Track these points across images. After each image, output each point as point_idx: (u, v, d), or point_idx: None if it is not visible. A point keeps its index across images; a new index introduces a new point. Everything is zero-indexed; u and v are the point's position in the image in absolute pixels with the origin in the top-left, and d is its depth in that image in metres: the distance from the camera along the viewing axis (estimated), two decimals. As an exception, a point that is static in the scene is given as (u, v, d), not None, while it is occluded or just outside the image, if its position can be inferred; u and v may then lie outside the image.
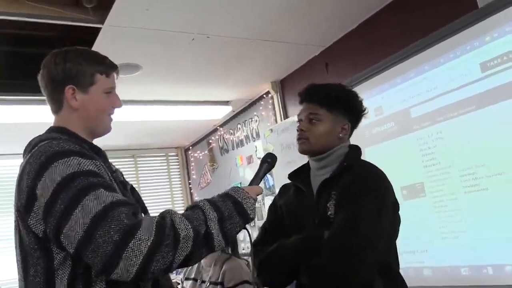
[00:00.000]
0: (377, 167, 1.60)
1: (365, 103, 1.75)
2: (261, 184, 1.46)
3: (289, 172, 1.76)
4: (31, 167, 1.20)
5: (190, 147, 6.29)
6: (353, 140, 1.76)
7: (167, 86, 4.15)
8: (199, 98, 4.62)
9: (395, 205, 1.57)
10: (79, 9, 2.80)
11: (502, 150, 2.30)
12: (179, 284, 3.08)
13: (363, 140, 1.76)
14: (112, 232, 1.08)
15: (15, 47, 3.19)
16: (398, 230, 1.59)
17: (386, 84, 2.94)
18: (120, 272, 1.09)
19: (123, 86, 1.49)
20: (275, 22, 3.18)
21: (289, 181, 1.78)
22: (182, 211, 1.23)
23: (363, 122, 1.79)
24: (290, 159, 1.74)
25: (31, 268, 1.22)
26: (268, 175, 3.99)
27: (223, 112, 4.97)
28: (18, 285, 1.28)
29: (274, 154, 1.53)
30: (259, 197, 1.44)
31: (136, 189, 1.49)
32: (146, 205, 1.48)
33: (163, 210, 1.20)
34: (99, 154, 1.35)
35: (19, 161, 1.31)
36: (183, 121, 5.11)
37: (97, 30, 2.92)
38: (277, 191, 3.75)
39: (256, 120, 4.77)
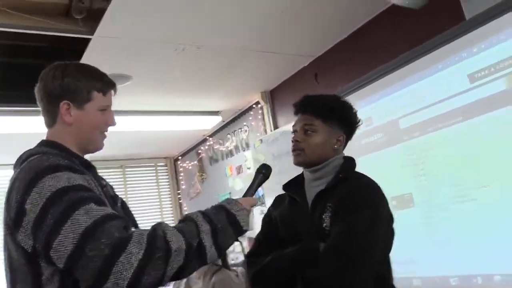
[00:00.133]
0: (372, 179, 1.60)
1: (355, 114, 1.76)
2: None
3: (280, 182, 1.75)
4: (20, 182, 1.19)
5: (180, 157, 6.27)
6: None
7: (157, 96, 4.14)
8: (188, 108, 4.62)
9: (390, 217, 1.58)
10: (69, 20, 2.79)
11: (490, 161, 2.33)
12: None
13: (352, 151, 1.76)
14: (102, 246, 1.08)
15: (4, 57, 3.17)
16: (392, 242, 1.59)
17: (375, 95, 2.96)
18: (111, 287, 1.08)
19: (113, 97, 1.48)
20: (264, 33, 3.20)
21: (282, 192, 1.78)
22: (172, 222, 1.22)
23: (352, 132, 1.79)
24: (280, 170, 1.74)
25: (19, 283, 1.20)
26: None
27: (213, 122, 4.96)
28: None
29: (269, 165, 1.53)
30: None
31: (125, 199, 1.48)
32: (135, 215, 1.47)
33: (152, 221, 1.19)
34: (89, 169, 1.35)
35: (11, 172, 1.30)
36: (173, 131, 5.10)
37: (87, 40, 2.92)
38: (266, 201, 3.78)
39: (246, 130, 4.77)
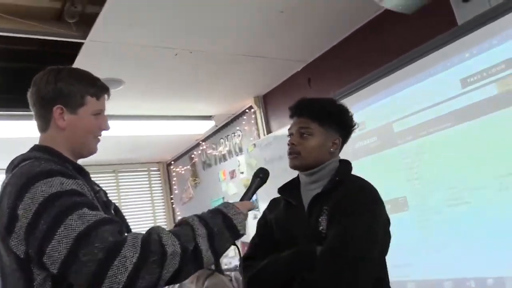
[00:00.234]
0: (368, 182, 1.60)
1: (350, 118, 1.76)
2: None
3: (273, 187, 1.75)
4: (12, 187, 1.18)
5: (172, 162, 6.25)
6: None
7: (149, 101, 4.13)
8: (181, 113, 4.61)
9: (387, 220, 1.58)
10: (62, 24, 2.78)
11: (482, 164, 2.34)
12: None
13: (346, 155, 1.76)
14: (96, 251, 1.07)
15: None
16: (389, 245, 1.59)
17: (369, 99, 2.97)
18: None
19: (106, 101, 1.48)
20: (257, 38, 3.21)
21: (276, 196, 1.77)
22: (165, 227, 1.21)
23: (346, 136, 1.80)
24: (274, 174, 1.74)
25: None
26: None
27: (206, 127, 4.96)
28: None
29: (266, 169, 1.53)
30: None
31: (118, 204, 1.47)
32: (128, 220, 1.46)
33: (145, 225, 1.19)
34: (82, 174, 1.34)
35: (2, 176, 1.29)
36: (165, 135, 5.09)
37: (80, 45, 2.90)
38: (259, 205, 3.77)
39: (239, 135, 4.77)
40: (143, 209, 6.24)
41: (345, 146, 1.75)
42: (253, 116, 4.47)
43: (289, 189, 1.71)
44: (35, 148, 1.35)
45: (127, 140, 5.08)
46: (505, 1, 2.26)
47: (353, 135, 1.76)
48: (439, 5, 2.59)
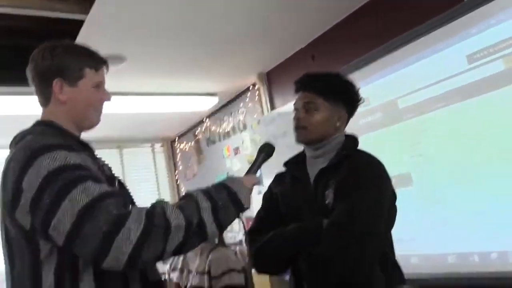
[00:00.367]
0: (375, 157, 1.59)
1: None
2: None
3: (276, 162, 1.75)
4: (16, 161, 1.19)
5: (176, 139, 6.26)
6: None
7: (152, 78, 4.11)
8: (185, 90, 4.59)
9: (393, 195, 1.58)
10: (63, 0, 2.75)
11: (488, 141, 2.33)
12: (167, 273, 3.07)
13: (351, 131, 1.75)
14: (100, 224, 1.08)
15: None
16: (395, 220, 1.60)
17: (373, 76, 2.95)
18: (110, 262, 1.09)
19: (108, 78, 1.47)
20: (261, 14, 3.17)
21: (280, 171, 1.77)
22: (171, 202, 1.22)
23: (351, 112, 1.78)
24: (278, 150, 1.73)
25: (17, 261, 1.21)
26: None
27: (210, 103, 4.94)
28: (5, 277, 1.27)
29: (271, 144, 1.52)
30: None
31: (122, 180, 1.48)
32: (132, 196, 1.47)
33: (150, 201, 1.20)
34: (86, 148, 1.35)
35: (7, 152, 1.29)
36: (169, 112, 5.08)
37: (81, 21, 2.88)
38: (264, 181, 3.78)
39: (243, 112, 4.76)
40: (147, 185, 6.27)
41: (349, 122, 1.74)
42: (257, 93, 4.45)
43: (295, 163, 1.71)
44: (38, 123, 1.35)
45: (131, 117, 5.08)
46: (513, -26, 2.22)
47: (357, 111, 1.75)
48: (446, -21, 2.55)
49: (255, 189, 1.42)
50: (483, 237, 2.36)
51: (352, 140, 1.68)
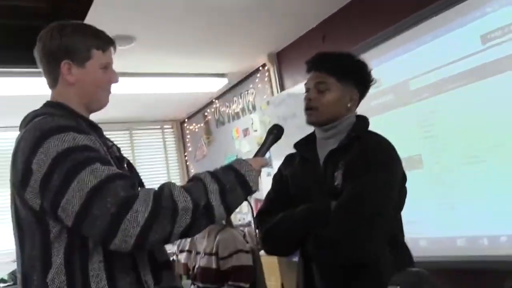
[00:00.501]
0: (385, 138, 1.58)
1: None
2: None
3: (286, 144, 1.73)
4: (26, 142, 1.19)
5: (186, 120, 6.26)
6: (352, 112, 1.73)
7: (162, 58, 4.10)
8: (195, 71, 4.58)
9: (403, 177, 1.57)
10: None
11: (500, 122, 2.30)
12: (175, 254, 3.09)
13: (361, 112, 1.73)
14: (108, 205, 1.09)
15: (5, 19, 3.12)
16: (404, 202, 1.59)
17: (384, 56, 2.91)
18: (118, 243, 1.10)
19: (117, 58, 1.46)
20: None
21: (291, 153, 1.77)
22: (180, 184, 1.22)
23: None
24: (287, 131, 1.72)
25: (27, 241, 1.22)
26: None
27: (219, 84, 4.92)
28: (15, 257, 1.29)
29: (280, 126, 1.50)
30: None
31: (132, 162, 1.48)
32: (142, 178, 1.47)
33: (159, 182, 1.20)
34: (94, 129, 1.35)
35: (17, 133, 1.29)
36: (179, 93, 5.07)
37: (90, 1, 2.85)
38: (273, 163, 3.77)
39: (252, 93, 4.74)
40: (157, 166, 6.30)
41: (361, 104, 1.72)
42: (266, 74, 4.42)
43: (305, 145, 1.70)
44: (48, 104, 1.35)
45: (141, 98, 5.08)
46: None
47: (369, 92, 1.72)
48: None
49: (264, 171, 1.41)
50: (493, 221, 2.35)
51: (362, 121, 1.66)
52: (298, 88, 3.63)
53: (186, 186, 1.21)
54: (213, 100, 5.44)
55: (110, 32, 1.44)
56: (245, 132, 4.93)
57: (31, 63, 1.41)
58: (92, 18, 2.98)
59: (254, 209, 1.48)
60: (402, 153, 1.56)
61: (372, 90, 1.73)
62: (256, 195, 1.34)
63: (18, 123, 1.34)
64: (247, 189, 1.27)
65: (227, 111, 5.24)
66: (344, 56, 1.68)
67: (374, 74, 1.69)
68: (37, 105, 1.35)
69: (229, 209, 1.23)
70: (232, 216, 3.29)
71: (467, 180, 2.46)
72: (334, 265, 1.47)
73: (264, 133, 1.55)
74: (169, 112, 6.07)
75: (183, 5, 3.11)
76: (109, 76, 1.40)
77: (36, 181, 1.15)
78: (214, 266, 2.64)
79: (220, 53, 4.14)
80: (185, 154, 6.38)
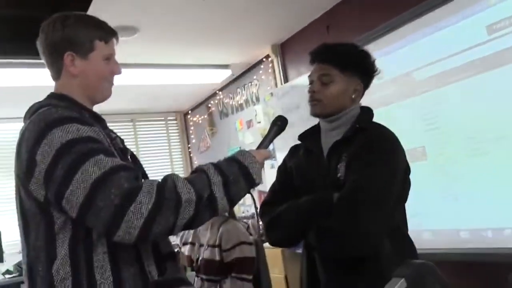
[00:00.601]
0: (389, 130, 1.57)
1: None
2: None
3: (289, 136, 1.73)
4: (30, 133, 1.19)
5: (189, 111, 6.26)
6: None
7: (165, 49, 4.09)
8: (198, 62, 4.56)
9: (407, 169, 1.56)
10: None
11: (504, 114, 2.29)
12: (179, 247, 3.10)
13: (364, 104, 1.72)
14: (112, 197, 1.09)
15: (10, 9, 3.12)
16: (408, 194, 1.58)
17: (389, 47, 2.90)
18: (122, 235, 1.10)
19: (121, 50, 1.46)
20: (275, -17, 3.11)
21: (292, 145, 1.76)
22: (183, 176, 1.22)
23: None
24: (291, 123, 1.72)
25: (32, 232, 1.23)
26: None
27: (223, 76, 4.91)
28: (20, 247, 1.29)
29: (284, 117, 1.50)
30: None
31: (135, 153, 1.48)
32: (146, 169, 1.48)
33: (162, 174, 1.20)
34: (98, 120, 1.35)
35: (21, 124, 1.30)
36: (182, 85, 5.07)
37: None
38: (277, 155, 3.78)
39: (256, 84, 4.73)
40: (161, 158, 6.31)
41: (364, 96, 1.71)
42: (270, 65, 4.41)
43: (309, 136, 1.70)
44: (52, 95, 1.35)
45: (145, 89, 5.08)
46: None
47: (372, 84, 1.71)
48: None
49: (267, 163, 1.41)
50: (497, 213, 2.34)
51: (367, 113, 1.65)
52: (302, 79, 3.62)
53: (189, 177, 1.21)
54: (217, 91, 5.43)
55: (113, 23, 1.44)
56: (249, 123, 4.92)
57: (33, 54, 1.40)
58: (95, 9, 2.96)
59: (257, 201, 1.48)
60: (405, 145, 1.55)
61: (376, 82, 1.72)
62: (259, 187, 1.34)
63: (21, 114, 1.34)
64: (250, 181, 1.27)
65: (230, 102, 5.24)
66: (348, 47, 1.66)
67: (378, 65, 1.68)
68: (40, 96, 1.35)
69: (232, 201, 1.23)
70: (236, 208, 3.30)
71: (471, 172, 2.45)
72: (336, 256, 1.47)
73: (267, 125, 1.54)
74: (172, 104, 6.07)
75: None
76: (112, 67, 1.39)
77: (41, 172, 1.16)
78: (217, 258, 2.65)
79: (224, 44, 4.13)
80: (189, 145, 6.39)
